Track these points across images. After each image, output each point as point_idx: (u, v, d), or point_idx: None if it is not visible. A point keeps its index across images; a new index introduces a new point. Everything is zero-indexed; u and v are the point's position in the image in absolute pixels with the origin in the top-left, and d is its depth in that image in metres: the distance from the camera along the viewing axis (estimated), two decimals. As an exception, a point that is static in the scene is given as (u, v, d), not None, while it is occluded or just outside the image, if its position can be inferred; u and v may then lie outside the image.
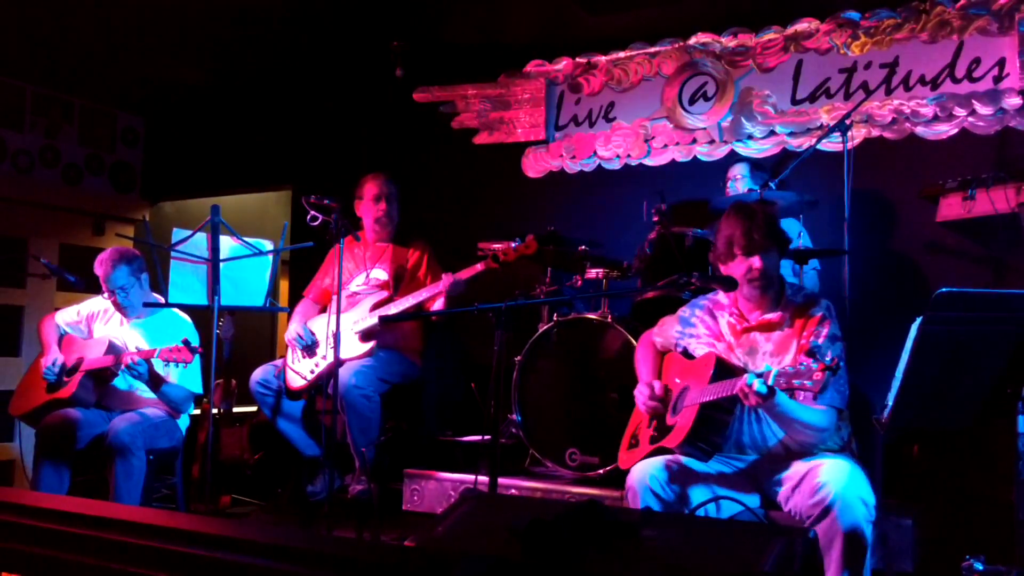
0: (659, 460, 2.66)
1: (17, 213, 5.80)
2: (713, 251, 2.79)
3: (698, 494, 2.61)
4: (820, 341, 2.57)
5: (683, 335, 2.89)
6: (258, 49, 5.41)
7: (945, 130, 4.27)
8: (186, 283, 3.60)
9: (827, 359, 2.19)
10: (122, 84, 6.02)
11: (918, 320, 2.17)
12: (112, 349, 3.86)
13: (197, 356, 3.74)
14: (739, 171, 4.35)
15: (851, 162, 3.81)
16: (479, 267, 3.93)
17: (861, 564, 2.35)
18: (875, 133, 4.41)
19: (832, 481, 2.40)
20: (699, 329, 2.85)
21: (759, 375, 2.36)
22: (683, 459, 2.67)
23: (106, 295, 4.02)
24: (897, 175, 4.37)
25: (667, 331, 2.96)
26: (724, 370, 2.57)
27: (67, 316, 4.17)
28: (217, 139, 6.36)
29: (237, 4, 4.71)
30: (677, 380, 2.76)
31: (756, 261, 2.66)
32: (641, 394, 2.80)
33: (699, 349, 2.80)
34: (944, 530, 3.22)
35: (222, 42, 5.30)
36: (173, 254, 3.60)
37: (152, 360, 3.75)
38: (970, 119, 4.21)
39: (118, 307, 4.02)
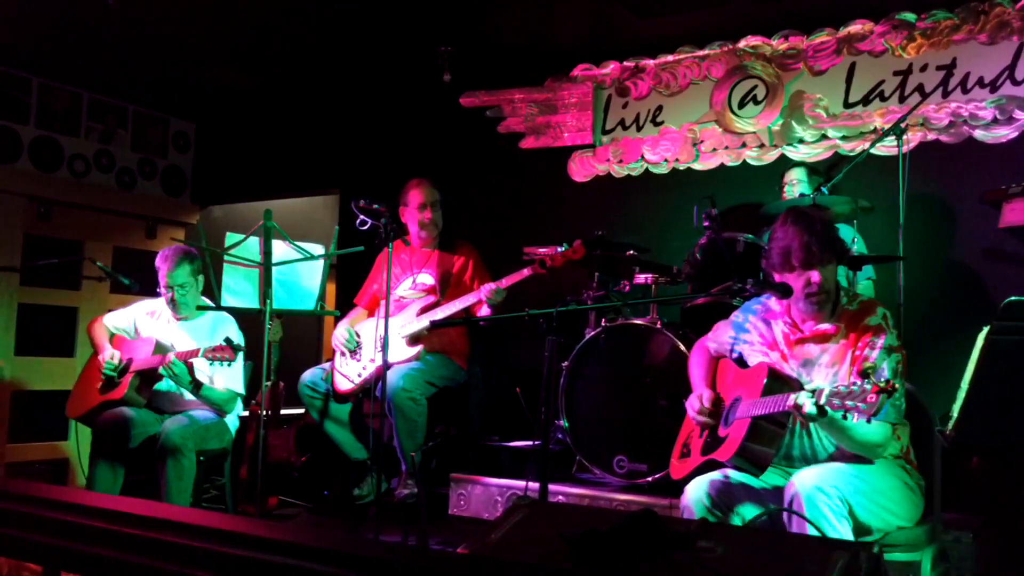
0: (711, 476, 2.62)
1: (73, 216, 5.94)
2: (766, 258, 2.70)
3: (749, 509, 2.56)
4: (875, 353, 2.49)
5: (737, 340, 2.83)
6: (306, 55, 5.46)
7: (1005, 133, 4.17)
8: (239, 287, 3.64)
9: (882, 380, 2.11)
10: (174, 90, 6.14)
11: (985, 329, 2.10)
12: (159, 349, 3.92)
13: (240, 355, 3.78)
14: (795, 175, 4.28)
15: (906, 166, 3.73)
16: (526, 272, 3.87)
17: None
18: (931, 136, 4.32)
19: (798, 479, 2.36)
20: (753, 336, 2.78)
21: (811, 392, 2.30)
22: (733, 473, 2.63)
23: (162, 291, 4.04)
24: (954, 179, 4.27)
25: (721, 336, 2.91)
26: (777, 381, 2.52)
27: (114, 320, 4.22)
28: (265, 144, 6.44)
29: (286, 10, 4.77)
30: (739, 383, 2.70)
31: (815, 275, 2.55)
32: (692, 407, 2.77)
33: (753, 357, 2.74)
34: (1007, 545, 3.12)
35: (271, 48, 5.36)
36: (226, 258, 3.64)
37: (195, 360, 3.80)
38: (1031, 122, 4.10)
39: (172, 304, 4.05)
